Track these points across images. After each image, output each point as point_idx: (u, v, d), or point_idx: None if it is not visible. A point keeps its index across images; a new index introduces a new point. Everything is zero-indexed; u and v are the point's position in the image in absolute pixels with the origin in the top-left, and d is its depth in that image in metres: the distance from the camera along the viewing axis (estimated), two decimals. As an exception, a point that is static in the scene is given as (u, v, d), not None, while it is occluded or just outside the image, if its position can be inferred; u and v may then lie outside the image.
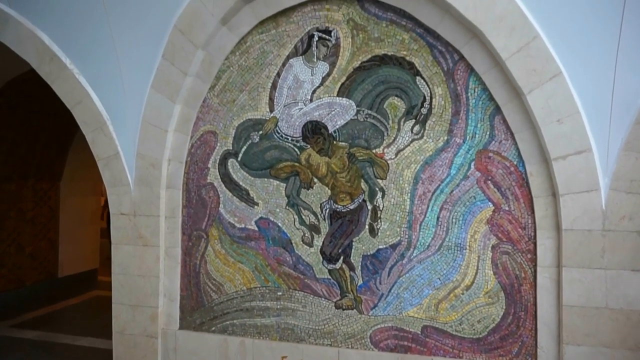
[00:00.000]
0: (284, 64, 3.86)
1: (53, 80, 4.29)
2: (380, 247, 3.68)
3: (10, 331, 5.69)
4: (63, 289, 7.62)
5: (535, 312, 3.33)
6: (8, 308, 6.61)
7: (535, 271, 3.33)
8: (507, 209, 3.41)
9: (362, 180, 3.72)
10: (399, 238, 3.64)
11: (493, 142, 3.43)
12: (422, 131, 3.58)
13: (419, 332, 3.59)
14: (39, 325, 5.94)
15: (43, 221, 7.43)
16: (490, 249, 3.44)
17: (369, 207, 3.70)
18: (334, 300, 3.80)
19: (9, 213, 6.85)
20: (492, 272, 3.44)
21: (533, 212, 3.32)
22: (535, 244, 3.32)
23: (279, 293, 3.94)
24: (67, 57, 4.26)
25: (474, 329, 3.48)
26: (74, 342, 5.30)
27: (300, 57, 3.82)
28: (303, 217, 3.87)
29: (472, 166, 3.48)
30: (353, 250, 3.75)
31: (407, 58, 3.57)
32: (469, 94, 3.47)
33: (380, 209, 3.68)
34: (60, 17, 4.24)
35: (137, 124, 4.12)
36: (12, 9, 4.29)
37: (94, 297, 7.35)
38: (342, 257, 3.78)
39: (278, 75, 3.89)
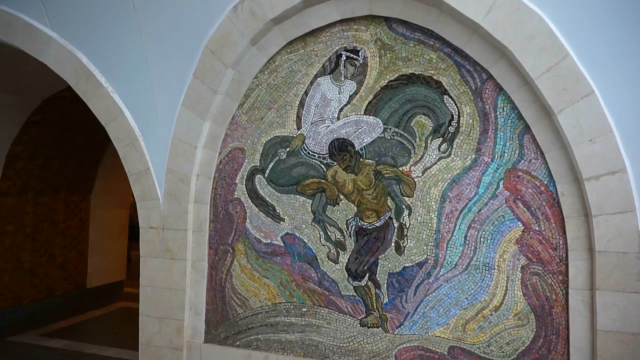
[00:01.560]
0: (311, 83, 3.93)
1: (89, 98, 4.46)
2: (407, 265, 3.66)
3: (41, 340, 5.85)
4: (91, 300, 7.81)
5: (568, 335, 3.23)
6: (39, 317, 6.81)
7: (567, 293, 3.24)
8: (537, 229, 3.35)
9: (389, 198, 3.72)
10: (425, 256, 3.61)
11: (522, 161, 3.39)
12: (449, 149, 3.57)
13: (446, 353, 3.53)
14: (67, 334, 6.08)
15: (74, 233, 7.65)
16: (519, 269, 3.38)
17: (395, 224, 3.69)
18: (359, 317, 3.78)
19: (42, 225, 7.09)
20: (521, 293, 3.37)
21: (564, 232, 3.25)
22: (566, 265, 3.25)
23: (304, 309, 3.94)
24: (103, 76, 4.44)
25: (502, 352, 3.40)
26: (100, 352, 5.40)
27: (328, 76, 3.88)
28: (329, 233, 3.89)
29: (501, 185, 3.44)
30: (379, 267, 3.73)
31: (435, 77, 3.58)
32: (498, 113, 3.45)
33: (407, 226, 3.66)
34: (97, 38, 4.42)
35: (168, 141, 4.24)
36: (54, 31, 4.51)
37: (119, 308, 7.49)
38: (367, 275, 3.77)
39: (306, 93, 3.95)
